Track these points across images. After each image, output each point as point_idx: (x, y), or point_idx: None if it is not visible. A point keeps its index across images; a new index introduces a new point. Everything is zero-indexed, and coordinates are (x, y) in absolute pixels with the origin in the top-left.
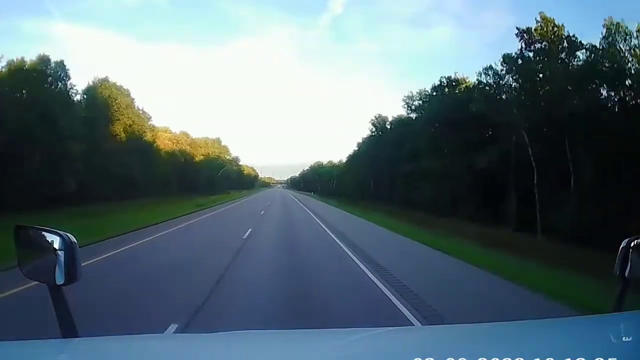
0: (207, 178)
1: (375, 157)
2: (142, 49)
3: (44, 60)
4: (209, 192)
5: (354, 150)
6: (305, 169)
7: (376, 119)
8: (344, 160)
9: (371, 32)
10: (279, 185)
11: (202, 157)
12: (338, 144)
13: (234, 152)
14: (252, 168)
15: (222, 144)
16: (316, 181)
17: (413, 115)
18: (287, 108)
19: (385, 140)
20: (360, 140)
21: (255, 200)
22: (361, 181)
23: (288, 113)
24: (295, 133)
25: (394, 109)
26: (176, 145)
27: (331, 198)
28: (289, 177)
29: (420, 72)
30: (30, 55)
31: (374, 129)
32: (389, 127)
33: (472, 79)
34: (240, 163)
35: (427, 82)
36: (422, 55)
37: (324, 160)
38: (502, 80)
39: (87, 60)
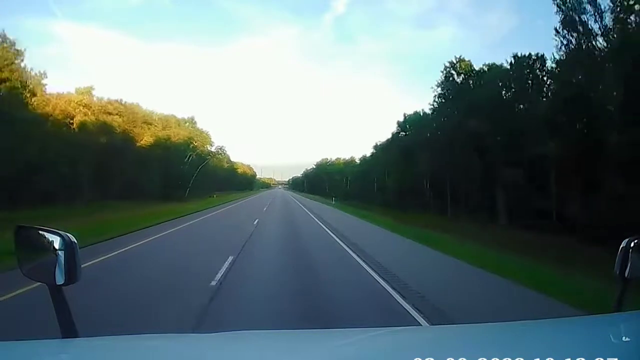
0: (172, 175)
1: (435, 139)
2: (144, 49)
3: None
4: (170, 197)
5: (393, 134)
6: (309, 168)
7: (451, 67)
8: (359, 156)
9: (374, 31)
10: (279, 186)
11: (153, 139)
12: (341, 144)
13: (221, 142)
14: (248, 166)
15: (199, 127)
16: (323, 181)
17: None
18: (287, 108)
19: (472, 103)
20: (403, 118)
21: (239, 216)
22: (406, 179)
23: (288, 113)
24: (297, 133)
25: (405, 107)
26: (93, 116)
27: (361, 208)
28: (291, 177)
29: (424, 72)
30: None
31: (442, 88)
32: (467, 80)
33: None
34: (234, 159)
35: (430, 82)
36: (426, 54)
37: (329, 158)
38: None
39: (87, 59)
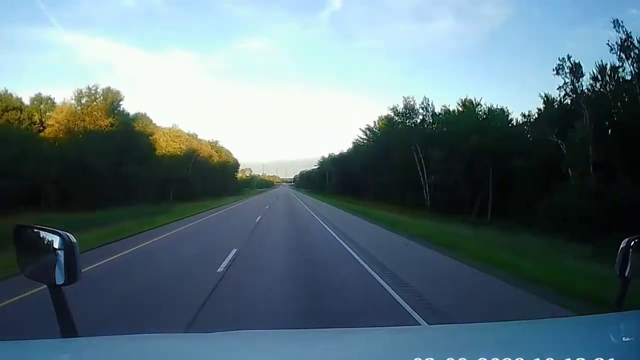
0: None
1: None
2: (141, 53)
3: None
4: None
5: None
6: (326, 155)
7: None
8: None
9: (372, 26)
10: (284, 184)
11: None
12: (345, 139)
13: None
14: (212, 144)
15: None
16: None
17: None
18: (285, 107)
19: None
20: None
21: None
22: None
23: (287, 112)
24: (299, 130)
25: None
26: None
27: None
28: (299, 171)
29: (422, 64)
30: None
31: None
32: None
33: None
34: (158, 124)
35: (430, 74)
36: (422, 41)
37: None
38: None
39: (83, 64)
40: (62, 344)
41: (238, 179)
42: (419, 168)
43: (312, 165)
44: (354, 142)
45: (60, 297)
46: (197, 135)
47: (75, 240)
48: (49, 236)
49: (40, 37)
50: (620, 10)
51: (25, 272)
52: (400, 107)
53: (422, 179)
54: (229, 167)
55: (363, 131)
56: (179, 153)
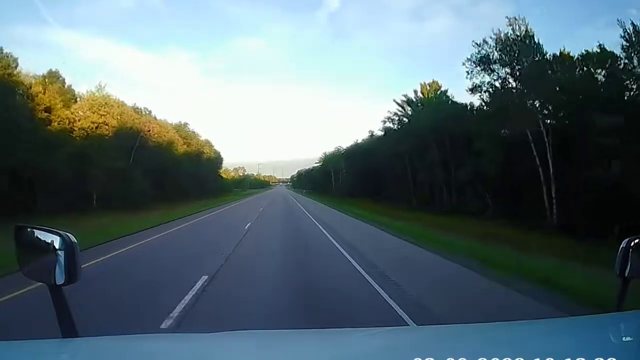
0: None
1: None
2: (137, 51)
3: None
4: None
5: None
6: (330, 150)
7: None
8: None
9: (369, 25)
10: (280, 184)
11: None
12: (346, 137)
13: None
14: (180, 128)
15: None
16: None
17: None
18: (285, 104)
19: None
20: None
21: None
22: None
23: (287, 109)
24: (297, 130)
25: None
26: None
27: None
28: (296, 171)
29: (422, 64)
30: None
31: None
32: None
33: None
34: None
35: (429, 74)
36: (422, 41)
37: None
38: None
39: (80, 64)
40: (62, 344)
41: (228, 178)
42: (536, 156)
43: (311, 165)
44: (383, 121)
45: (61, 297)
46: (150, 112)
47: (75, 240)
48: (49, 236)
49: (40, 36)
50: (620, 11)
51: (25, 271)
52: (500, 40)
53: (541, 176)
54: (205, 160)
55: (399, 104)
56: (105, 133)
